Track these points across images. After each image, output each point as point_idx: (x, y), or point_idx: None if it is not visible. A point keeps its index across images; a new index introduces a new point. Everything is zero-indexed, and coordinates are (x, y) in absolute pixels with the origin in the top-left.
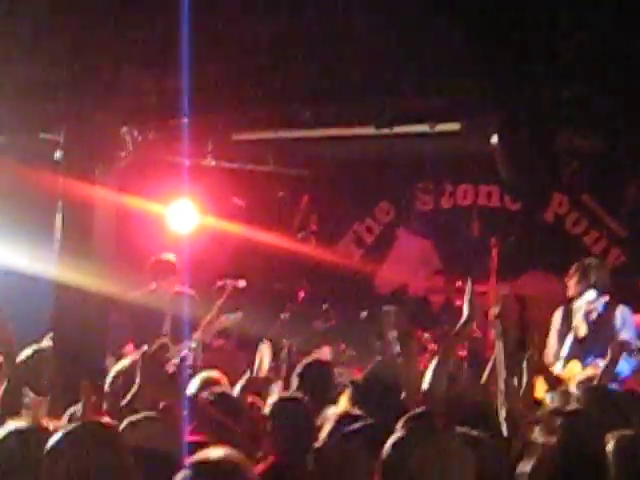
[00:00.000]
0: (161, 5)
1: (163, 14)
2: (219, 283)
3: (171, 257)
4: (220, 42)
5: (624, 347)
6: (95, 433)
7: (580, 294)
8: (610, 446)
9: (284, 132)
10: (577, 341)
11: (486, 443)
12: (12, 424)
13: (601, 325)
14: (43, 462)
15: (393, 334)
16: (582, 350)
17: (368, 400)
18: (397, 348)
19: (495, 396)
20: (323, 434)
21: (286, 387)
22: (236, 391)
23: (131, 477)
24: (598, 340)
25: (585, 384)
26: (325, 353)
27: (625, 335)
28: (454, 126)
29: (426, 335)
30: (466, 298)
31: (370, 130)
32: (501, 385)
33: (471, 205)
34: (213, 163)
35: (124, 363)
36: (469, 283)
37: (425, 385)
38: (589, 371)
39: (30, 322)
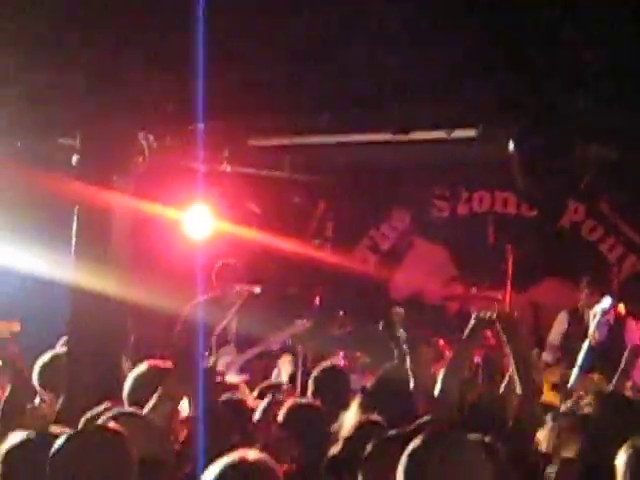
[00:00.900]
0: (178, 11)
1: (180, 20)
2: (235, 289)
3: (234, 262)
4: (236, 48)
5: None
6: (100, 438)
7: (592, 302)
8: (624, 455)
9: (300, 138)
10: (595, 348)
11: (500, 450)
12: (19, 434)
13: (613, 333)
14: (48, 466)
15: (402, 335)
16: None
17: (379, 406)
18: (405, 349)
19: (510, 402)
20: (340, 440)
21: (302, 393)
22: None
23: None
24: (611, 349)
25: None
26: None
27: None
28: (470, 133)
29: (442, 342)
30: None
31: (386, 136)
32: (518, 390)
33: (487, 212)
34: (229, 169)
35: None
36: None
37: (437, 391)
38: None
39: (46, 327)
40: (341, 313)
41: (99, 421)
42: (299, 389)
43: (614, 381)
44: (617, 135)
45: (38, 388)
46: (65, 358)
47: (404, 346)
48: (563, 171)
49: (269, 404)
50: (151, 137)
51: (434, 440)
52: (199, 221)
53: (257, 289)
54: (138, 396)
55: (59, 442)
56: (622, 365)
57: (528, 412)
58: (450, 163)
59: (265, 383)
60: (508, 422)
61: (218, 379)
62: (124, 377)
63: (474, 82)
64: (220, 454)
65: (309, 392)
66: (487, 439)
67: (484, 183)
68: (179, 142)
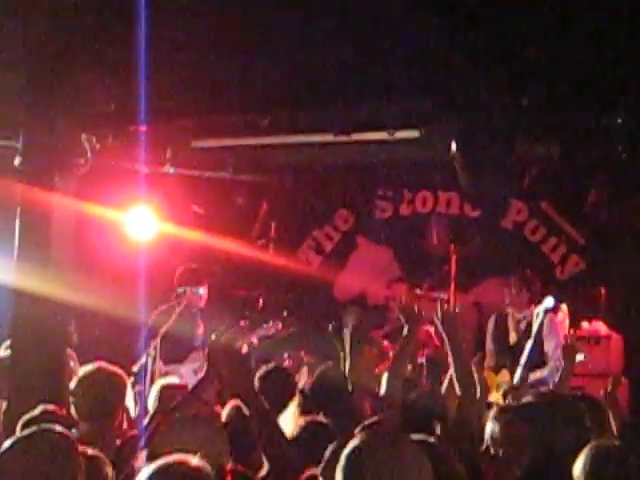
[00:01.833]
0: (119, 12)
1: (121, 21)
2: (178, 290)
3: (195, 266)
4: (178, 49)
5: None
6: (47, 441)
7: (518, 303)
8: (583, 457)
9: (243, 139)
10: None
11: (439, 449)
12: None
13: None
14: None
15: (345, 335)
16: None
17: (317, 406)
18: (348, 349)
19: (452, 402)
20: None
21: None
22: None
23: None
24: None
25: (513, 393)
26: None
27: (550, 344)
28: (413, 133)
29: (386, 342)
30: (398, 307)
31: (329, 137)
32: (457, 390)
33: (430, 212)
34: (172, 170)
35: None
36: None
37: (381, 391)
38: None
39: None
40: (285, 314)
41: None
42: None
43: (557, 380)
44: (558, 134)
45: None
46: (8, 361)
47: (347, 346)
48: (505, 170)
49: None
50: (93, 138)
51: (373, 440)
52: (142, 223)
53: (200, 290)
54: (85, 399)
55: (5, 446)
56: (562, 364)
57: (468, 411)
58: (393, 164)
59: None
60: (448, 421)
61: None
62: (69, 378)
63: (416, 83)
64: None
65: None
66: (429, 439)
67: (427, 183)
68: (121, 143)
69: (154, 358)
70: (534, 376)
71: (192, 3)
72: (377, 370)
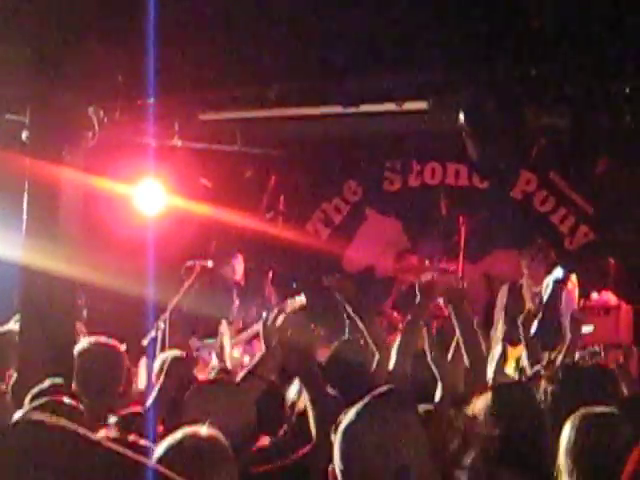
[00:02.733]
0: None
1: None
2: (187, 263)
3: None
4: (186, 22)
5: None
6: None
7: (535, 275)
8: (570, 425)
9: (251, 112)
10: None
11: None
12: None
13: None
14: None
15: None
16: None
17: (333, 381)
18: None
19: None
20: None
21: None
22: None
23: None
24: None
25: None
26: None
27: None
28: (421, 104)
29: (395, 314)
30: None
31: (337, 109)
32: (466, 363)
33: (439, 184)
34: (180, 143)
35: None
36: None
37: (390, 364)
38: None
39: None
40: (294, 286)
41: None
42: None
43: (563, 352)
44: (567, 104)
45: None
46: (13, 335)
47: (357, 319)
48: (513, 141)
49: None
50: (101, 112)
51: (373, 405)
52: (150, 196)
53: (210, 263)
54: (87, 373)
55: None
56: (569, 335)
57: (476, 383)
58: (401, 135)
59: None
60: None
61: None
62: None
63: (424, 53)
64: None
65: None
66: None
67: (436, 155)
68: (129, 116)
69: (164, 331)
70: None
71: None
72: (387, 342)
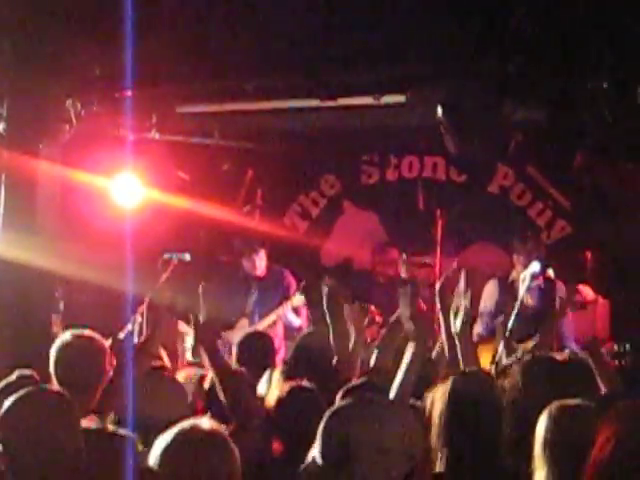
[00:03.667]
0: None
1: None
2: (164, 257)
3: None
4: (163, 14)
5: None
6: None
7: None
8: (544, 417)
9: (229, 105)
10: (531, 313)
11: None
12: None
13: (545, 298)
14: None
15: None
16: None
17: (300, 372)
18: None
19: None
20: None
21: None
22: None
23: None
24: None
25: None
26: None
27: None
28: (399, 98)
29: (373, 307)
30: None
31: (315, 102)
32: (447, 357)
33: (416, 177)
34: (157, 136)
35: None
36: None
37: (372, 362)
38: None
39: None
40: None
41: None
42: None
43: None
44: (544, 98)
45: None
46: None
47: (327, 312)
48: (491, 134)
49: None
50: (78, 105)
51: (359, 401)
52: (127, 189)
53: (187, 256)
54: (63, 365)
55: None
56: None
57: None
58: (379, 129)
59: None
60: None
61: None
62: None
63: (402, 47)
64: None
65: (233, 358)
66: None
67: (413, 148)
68: (106, 109)
69: (141, 324)
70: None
71: None
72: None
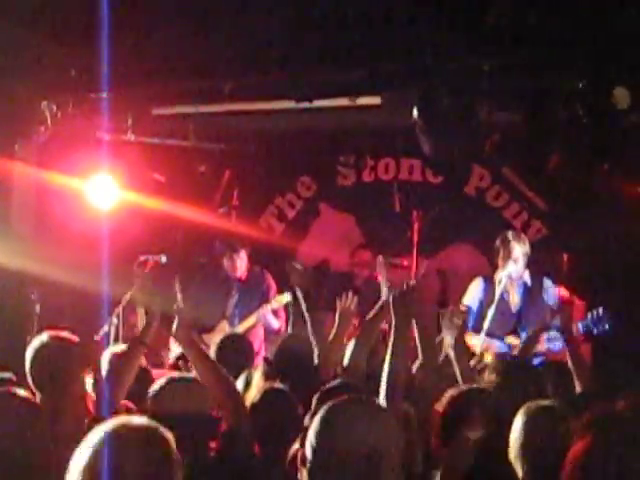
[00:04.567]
0: None
1: None
2: (140, 258)
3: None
4: (139, 16)
5: (547, 325)
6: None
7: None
8: (519, 418)
9: (205, 106)
10: (511, 313)
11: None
12: None
13: (532, 298)
14: None
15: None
16: (519, 322)
17: (281, 374)
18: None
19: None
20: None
21: None
22: None
23: (49, 452)
24: (532, 313)
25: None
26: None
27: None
28: (374, 99)
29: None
30: (382, 279)
31: (290, 104)
32: (419, 356)
33: (393, 179)
34: (133, 138)
35: None
36: (381, 262)
37: (346, 361)
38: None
39: None
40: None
41: None
42: None
43: (521, 347)
44: (520, 99)
45: None
46: None
47: (306, 314)
48: (466, 136)
49: None
50: (54, 106)
51: (346, 403)
52: (103, 191)
53: (163, 258)
54: (39, 367)
55: None
56: (530, 334)
57: (429, 378)
58: (355, 130)
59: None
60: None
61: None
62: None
63: (377, 49)
64: None
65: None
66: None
67: (389, 150)
68: (82, 111)
69: (117, 326)
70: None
71: None
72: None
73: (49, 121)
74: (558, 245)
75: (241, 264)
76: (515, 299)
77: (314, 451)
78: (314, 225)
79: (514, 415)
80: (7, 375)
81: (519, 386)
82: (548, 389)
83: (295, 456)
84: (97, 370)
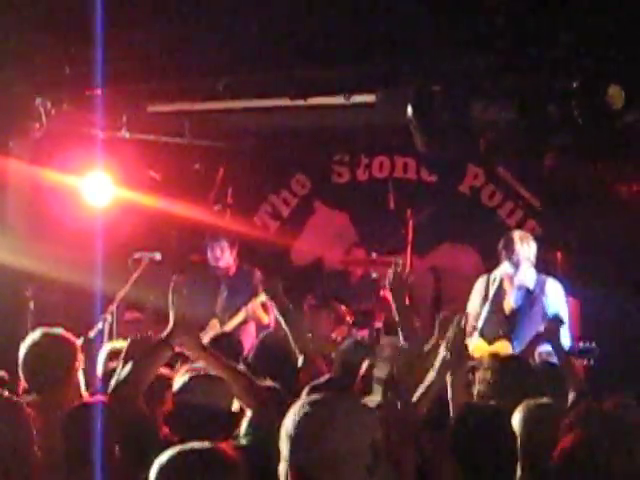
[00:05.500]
0: None
1: None
2: (135, 256)
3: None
4: (134, 12)
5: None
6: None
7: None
8: (518, 415)
9: (200, 104)
10: (505, 316)
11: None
12: None
13: (532, 303)
14: None
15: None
16: (512, 325)
17: (261, 372)
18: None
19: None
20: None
21: None
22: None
23: (31, 451)
24: (530, 316)
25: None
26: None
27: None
28: (369, 97)
29: (343, 307)
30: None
31: (285, 101)
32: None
33: (387, 177)
34: (128, 135)
35: None
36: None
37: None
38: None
39: None
40: None
41: None
42: None
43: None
44: (514, 98)
45: None
46: None
47: (281, 319)
48: (461, 134)
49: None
50: (48, 103)
51: (324, 400)
52: (98, 188)
53: (158, 255)
54: (32, 364)
55: None
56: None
57: (411, 371)
58: (349, 128)
59: None
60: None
61: None
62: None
63: (372, 47)
64: None
65: None
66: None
67: (384, 148)
68: (76, 108)
69: (110, 324)
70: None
71: None
72: (334, 335)
73: (44, 118)
74: (552, 244)
75: (222, 254)
76: (510, 302)
77: (290, 450)
78: (308, 223)
79: (511, 413)
80: (1, 373)
81: (515, 384)
82: (541, 391)
83: None
84: (90, 367)
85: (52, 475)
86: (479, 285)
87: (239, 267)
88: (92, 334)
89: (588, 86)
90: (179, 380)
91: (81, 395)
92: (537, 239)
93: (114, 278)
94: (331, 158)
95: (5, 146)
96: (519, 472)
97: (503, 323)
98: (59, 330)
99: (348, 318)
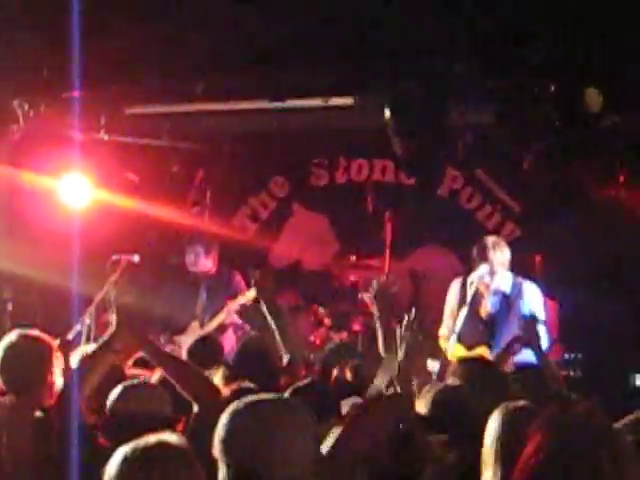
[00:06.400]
0: None
1: None
2: (113, 258)
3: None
4: (112, 15)
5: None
6: None
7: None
8: (494, 418)
9: (178, 106)
10: (482, 321)
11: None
12: None
13: (510, 308)
14: None
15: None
16: (491, 331)
17: (241, 374)
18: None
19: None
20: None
21: None
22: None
23: None
24: (509, 320)
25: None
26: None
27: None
28: (347, 100)
29: (321, 310)
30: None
31: (264, 104)
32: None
33: (366, 180)
34: (106, 137)
35: None
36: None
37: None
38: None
39: None
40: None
41: None
42: None
43: (499, 354)
44: (492, 101)
45: None
46: None
47: (270, 319)
48: (439, 137)
49: None
50: (26, 105)
51: (254, 403)
52: (76, 190)
53: (136, 257)
54: (9, 365)
55: None
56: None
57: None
58: (328, 131)
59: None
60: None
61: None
62: None
63: (349, 50)
64: None
65: None
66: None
67: (362, 151)
68: (54, 110)
69: (89, 326)
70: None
71: None
72: (312, 337)
73: (21, 120)
74: (531, 246)
75: (197, 259)
76: (487, 307)
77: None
78: (287, 225)
79: (485, 418)
80: None
81: (486, 389)
82: (519, 392)
83: None
84: (67, 370)
85: (20, 475)
86: (455, 286)
87: (218, 269)
88: (71, 336)
89: (566, 90)
90: (114, 390)
91: (58, 396)
92: (516, 242)
93: (92, 280)
94: (310, 161)
95: None
96: (491, 474)
97: (481, 329)
98: (35, 331)
99: (326, 321)
